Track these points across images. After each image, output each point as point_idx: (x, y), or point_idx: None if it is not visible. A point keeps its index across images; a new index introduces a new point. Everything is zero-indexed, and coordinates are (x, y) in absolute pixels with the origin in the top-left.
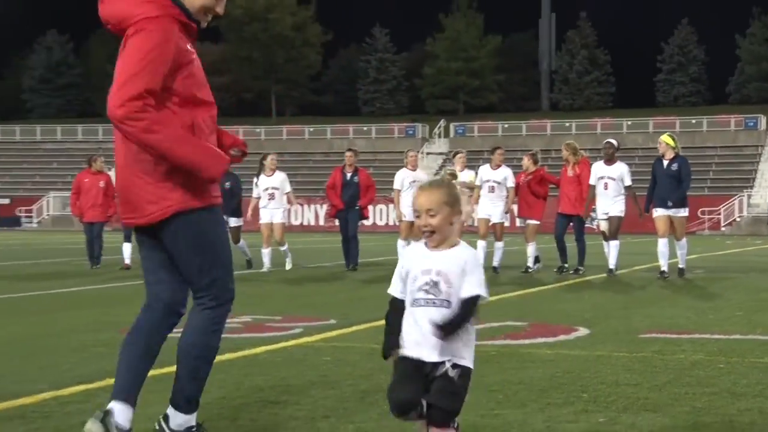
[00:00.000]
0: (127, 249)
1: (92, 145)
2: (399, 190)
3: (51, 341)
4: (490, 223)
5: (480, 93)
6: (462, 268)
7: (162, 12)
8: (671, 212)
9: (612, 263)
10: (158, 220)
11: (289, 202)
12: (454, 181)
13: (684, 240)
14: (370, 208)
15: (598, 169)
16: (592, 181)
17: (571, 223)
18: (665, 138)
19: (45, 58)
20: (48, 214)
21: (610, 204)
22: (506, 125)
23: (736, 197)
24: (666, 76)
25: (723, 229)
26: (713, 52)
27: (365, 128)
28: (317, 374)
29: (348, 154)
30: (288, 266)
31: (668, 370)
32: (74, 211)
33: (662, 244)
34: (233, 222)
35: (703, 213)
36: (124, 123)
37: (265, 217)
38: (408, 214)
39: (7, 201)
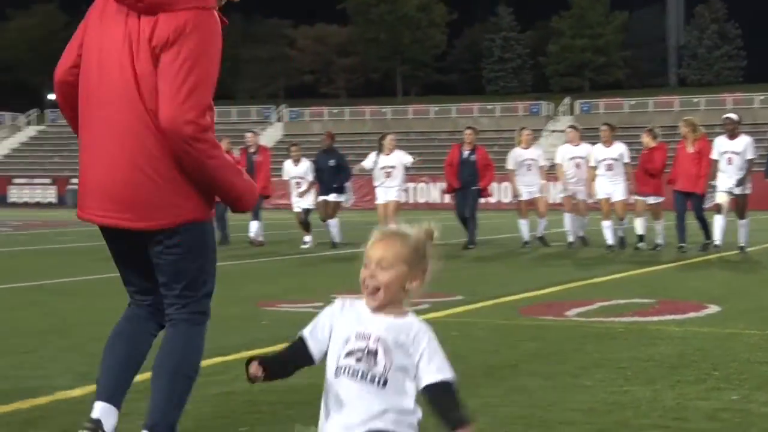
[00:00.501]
0: (254, 226)
1: (227, 127)
2: (513, 170)
3: None
4: (611, 202)
5: (606, 70)
6: (412, 344)
7: (212, 3)
8: None
9: (742, 240)
10: (165, 228)
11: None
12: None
13: None
14: (495, 185)
15: (721, 144)
16: (714, 156)
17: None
18: None
19: None
20: None
21: (734, 180)
22: (633, 102)
23: None
24: None
25: None
26: None
27: (489, 107)
28: (444, 349)
29: (467, 132)
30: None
31: None
32: None
33: None
34: (332, 197)
35: None
36: (190, 144)
37: (380, 197)
38: (524, 193)
39: None
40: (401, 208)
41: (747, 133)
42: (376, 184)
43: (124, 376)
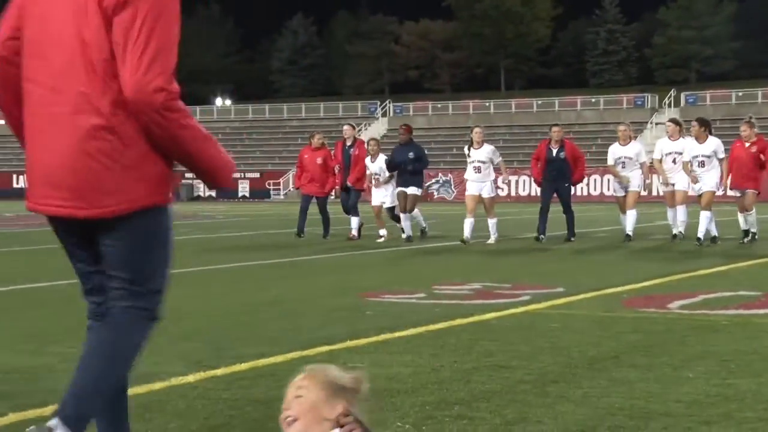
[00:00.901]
0: (354, 221)
1: (333, 122)
2: (612, 165)
3: (296, 306)
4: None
5: (713, 61)
6: None
7: None
8: None
9: None
10: (117, 215)
11: (501, 172)
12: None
13: None
14: (598, 177)
15: None
16: None
17: None
18: None
19: (291, 41)
20: (293, 188)
21: None
22: (740, 93)
23: None
24: None
25: None
26: None
27: (593, 100)
28: (546, 340)
29: (554, 129)
30: (491, 240)
31: None
32: (297, 184)
33: None
34: (411, 190)
35: None
36: (161, 113)
37: (471, 189)
38: (618, 190)
39: (257, 175)
40: (496, 201)
41: None
42: (467, 177)
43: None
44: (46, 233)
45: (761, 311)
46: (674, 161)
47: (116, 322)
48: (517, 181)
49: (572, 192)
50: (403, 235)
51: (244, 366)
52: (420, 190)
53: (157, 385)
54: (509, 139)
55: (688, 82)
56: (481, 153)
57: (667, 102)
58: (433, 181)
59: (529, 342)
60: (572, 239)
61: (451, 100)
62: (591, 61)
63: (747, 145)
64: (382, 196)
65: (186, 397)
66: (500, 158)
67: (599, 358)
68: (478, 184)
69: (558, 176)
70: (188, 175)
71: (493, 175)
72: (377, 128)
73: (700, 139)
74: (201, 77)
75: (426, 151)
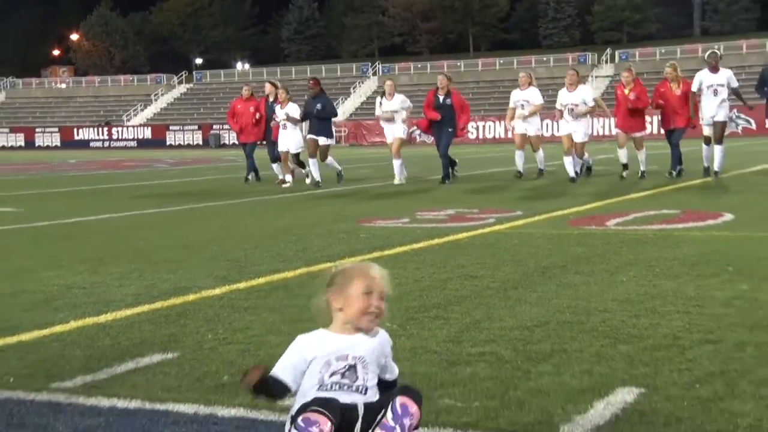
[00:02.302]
0: (276, 167)
1: (333, 81)
2: (538, 106)
3: (304, 231)
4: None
5: (641, 24)
6: (388, 354)
7: None
8: None
9: (717, 166)
10: None
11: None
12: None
13: None
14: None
15: (705, 77)
16: (694, 88)
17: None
18: None
19: (297, 15)
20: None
21: (716, 110)
22: (663, 50)
23: None
24: None
25: None
26: None
27: (545, 58)
28: (507, 254)
29: (440, 78)
30: (396, 180)
31: None
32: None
33: None
34: (323, 140)
35: None
36: None
37: (388, 135)
38: (517, 127)
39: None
40: (405, 144)
41: (758, 73)
42: (383, 124)
43: None
44: (103, 176)
45: (680, 225)
46: (571, 110)
47: None
48: (484, 126)
49: (452, 139)
50: (307, 180)
51: (261, 280)
52: (331, 140)
53: (190, 297)
54: (477, 92)
55: (621, 42)
56: (393, 103)
57: (604, 59)
58: (415, 127)
59: (494, 256)
60: (446, 182)
61: (429, 61)
62: (543, 26)
63: (626, 91)
64: (288, 142)
65: (213, 306)
66: (409, 105)
67: (550, 267)
68: (391, 128)
69: (443, 122)
70: (215, 126)
71: (403, 116)
72: (370, 85)
73: (572, 87)
74: (224, 46)
75: (333, 102)
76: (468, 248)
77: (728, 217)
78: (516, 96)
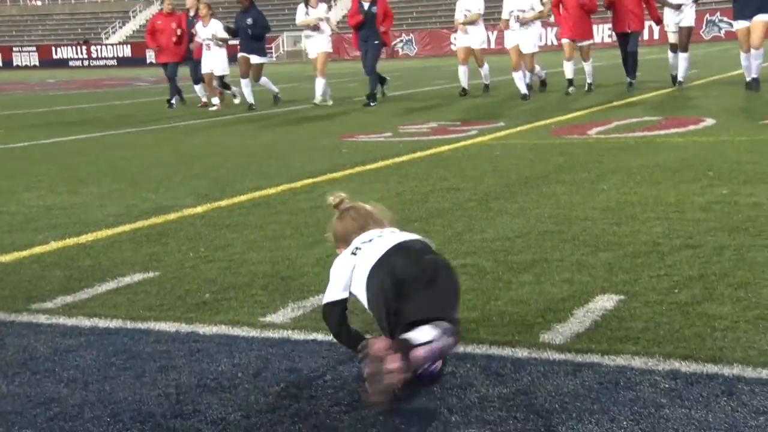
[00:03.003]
0: (198, 88)
1: None
2: (477, 15)
3: (285, 147)
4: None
5: None
6: None
7: None
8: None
9: (681, 75)
10: None
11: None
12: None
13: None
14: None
15: None
16: None
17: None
18: None
19: None
20: (283, 50)
21: (681, 14)
22: None
23: None
24: None
25: None
26: None
27: None
28: (489, 165)
29: None
30: (317, 99)
31: None
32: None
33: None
34: (255, 59)
35: None
36: None
37: (311, 49)
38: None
39: None
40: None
41: None
42: (306, 36)
43: None
44: (82, 95)
45: (661, 132)
46: (517, 18)
47: None
48: (411, 40)
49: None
50: (236, 100)
51: (243, 198)
52: (264, 59)
53: (172, 216)
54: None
55: None
56: (319, 11)
57: None
58: (398, 40)
59: (475, 168)
60: (372, 104)
61: None
62: None
63: None
64: (212, 63)
65: (195, 225)
66: (331, 13)
67: (532, 177)
68: (317, 40)
69: (369, 33)
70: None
71: (328, 31)
72: None
73: None
74: None
75: (266, 16)
76: (450, 161)
77: (709, 122)
78: (461, 4)
